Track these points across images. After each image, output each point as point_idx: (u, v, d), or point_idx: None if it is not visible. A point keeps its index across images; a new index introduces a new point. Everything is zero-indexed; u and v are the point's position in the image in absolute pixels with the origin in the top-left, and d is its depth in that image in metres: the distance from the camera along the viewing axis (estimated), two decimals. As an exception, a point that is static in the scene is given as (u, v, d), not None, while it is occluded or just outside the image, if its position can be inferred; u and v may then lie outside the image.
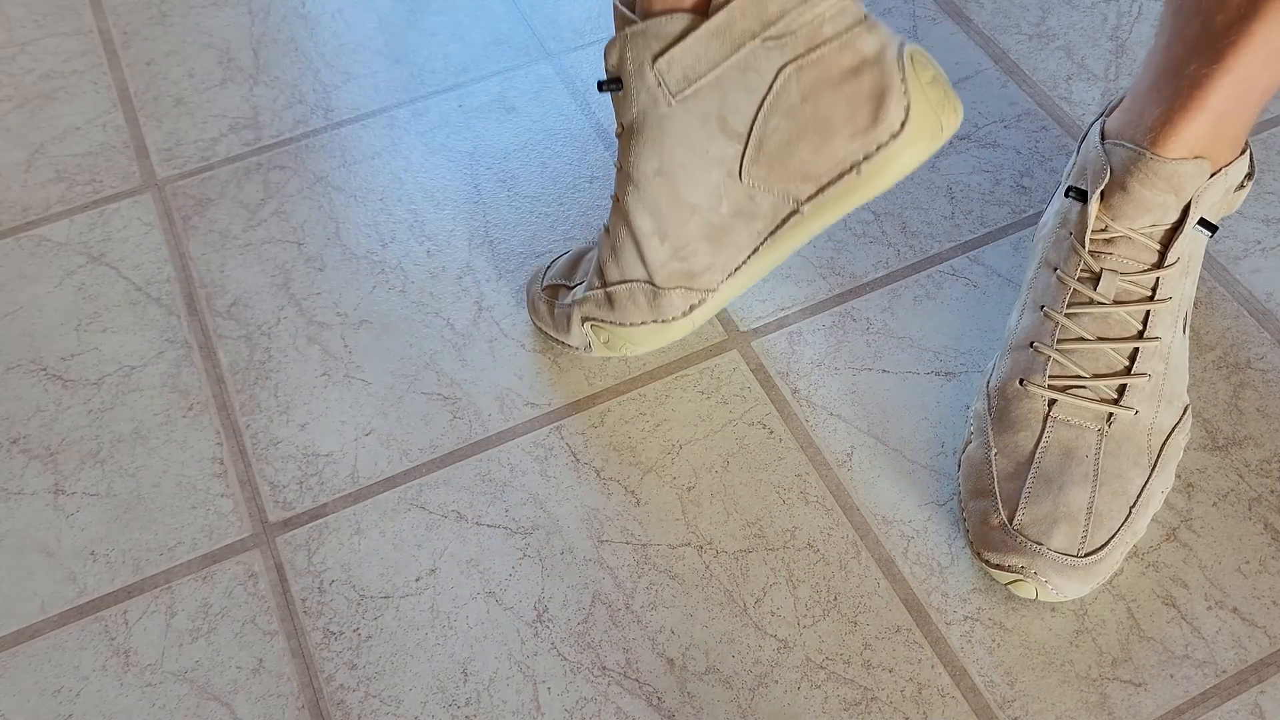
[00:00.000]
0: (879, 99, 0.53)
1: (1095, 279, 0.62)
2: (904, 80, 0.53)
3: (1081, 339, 0.61)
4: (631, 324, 0.64)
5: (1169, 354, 0.61)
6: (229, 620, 0.61)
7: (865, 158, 0.54)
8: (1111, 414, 0.60)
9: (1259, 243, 0.75)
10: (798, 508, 0.64)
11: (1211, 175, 0.61)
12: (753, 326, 0.72)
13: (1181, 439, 0.62)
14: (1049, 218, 0.68)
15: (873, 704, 0.57)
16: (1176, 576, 0.61)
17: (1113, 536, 0.57)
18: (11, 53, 0.90)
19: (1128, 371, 0.60)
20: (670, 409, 0.68)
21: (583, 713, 0.58)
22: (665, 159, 0.58)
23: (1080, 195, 0.64)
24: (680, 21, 0.54)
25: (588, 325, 0.65)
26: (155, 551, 0.63)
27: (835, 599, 0.61)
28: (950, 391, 0.69)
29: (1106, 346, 0.61)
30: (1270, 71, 0.57)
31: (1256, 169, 0.79)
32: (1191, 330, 0.71)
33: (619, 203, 0.62)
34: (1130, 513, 0.58)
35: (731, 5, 0.53)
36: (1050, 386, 0.61)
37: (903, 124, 0.53)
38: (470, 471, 0.66)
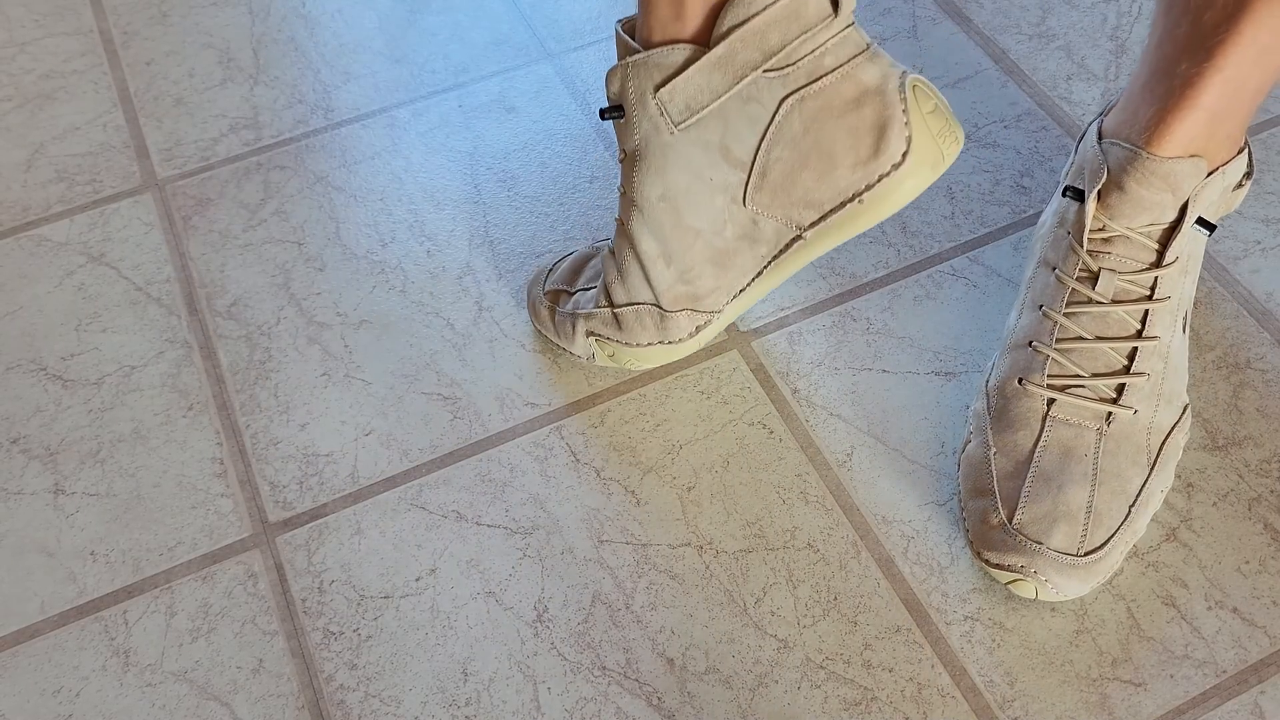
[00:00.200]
0: (881, 130, 0.54)
1: (1094, 278, 0.62)
2: (905, 111, 0.53)
3: (1080, 338, 0.61)
4: (639, 344, 0.65)
5: (1168, 353, 0.61)
6: (229, 620, 0.61)
7: (867, 187, 0.55)
8: (1110, 413, 0.60)
9: (1259, 243, 0.75)
10: (798, 508, 0.64)
11: (1209, 174, 0.61)
12: (753, 326, 0.72)
13: (1181, 438, 0.62)
14: (1047, 217, 0.68)
15: (873, 704, 0.57)
16: (1176, 576, 0.61)
17: (1112, 536, 0.57)
18: (11, 53, 0.90)
19: (1127, 371, 0.60)
20: (670, 409, 0.68)
21: (583, 713, 0.58)
22: (669, 185, 0.59)
23: (1078, 195, 0.64)
24: (682, 52, 0.55)
25: (592, 339, 0.66)
26: (155, 551, 0.63)
27: (835, 599, 0.61)
28: (950, 391, 0.69)
29: (1105, 346, 0.61)
30: (1262, 69, 0.57)
31: (1255, 168, 0.79)
32: (1191, 330, 0.71)
33: (624, 226, 0.62)
34: (1130, 512, 0.58)
35: (732, 37, 0.53)
36: (1049, 386, 0.61)
37: (904, 155, 0.54)
38: (470, 471, 0.66)
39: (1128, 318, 0.61)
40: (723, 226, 0.59)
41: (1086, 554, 0.57)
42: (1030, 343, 0.63)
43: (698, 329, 0.64)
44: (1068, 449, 0.59)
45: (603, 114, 0.58)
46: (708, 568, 0.62)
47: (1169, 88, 0.59)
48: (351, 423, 0.68)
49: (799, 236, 0.58)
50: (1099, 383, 0.60)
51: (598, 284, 0.66)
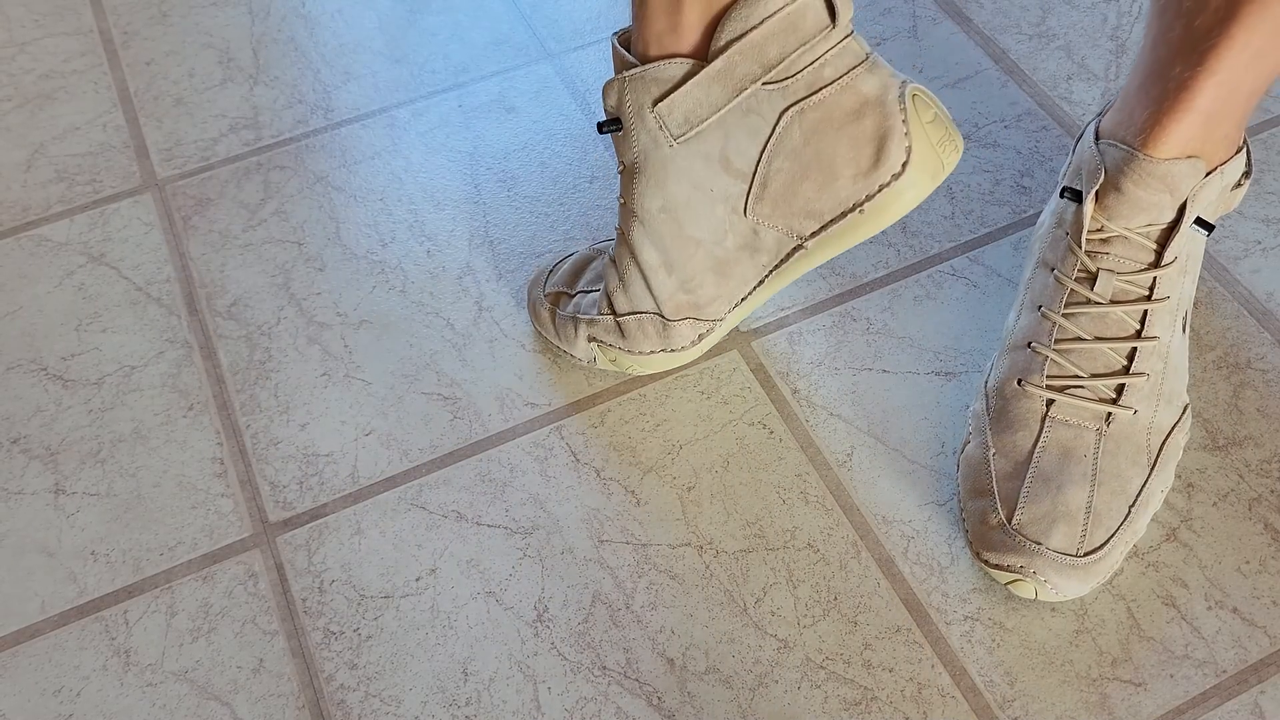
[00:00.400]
0: (881, 141, 0.54)
1: (1092, 279, 0.62)
2: (905, 121, 0.53)
3: (1079, 339, 0.61)
4: (641, 352, 0.65)
5: (1168, 353, 0.61)
6: (229, 620, 0.61)
7: (868, 198, 0.55)
8: (1110, 413, 0.60)
9: (1259, 243, 0.75)
10: (798, 508, 0.64)
11: (1207, 174, 0.61)
12: (753, 327, 0.72)
13: (1181, 438, 0.62)
14: (1045, 218, 0.68)
15: (873, 704, 0.57)
16: (1176, 576, 0.61)
17: (1112, 536, 0.57)
18: (11, 53, 0.90)
19: (1126, 371, 0.60)
20: (670, 409, 0.68)
21: (583, 713, 0.58)
22: (669, 197, 0.59)
23: (1075, 195, 0.64)
24: (679, 67, 0.54)
25: (594, 344, 0.66)
26: (155, 551, 0.63)
27: (835, 599, 0.61)
28: (950, 391, 0.69)
29: (1104, 346, 0.61)
30: (1255, 73, 0.57)
31: (1254, 167, 0.79)
32: (1191, 330, 0.71)
33: (624, 236, 0.62)
34: (1129, 512, 0.58)
35: (730, 51, 0.53)
36: (1048, 386, 0.61)
37: (904, 165, 0.54)
38: (470, 471, 0.66)
39: (1126, 318, 0.61)
40: (724, 236, 0.59)
41: (1086, 554, 0.57)
42: (1029, 343, 0.63)
43: (700, 337, 0.64)
44: (1067, 449, 0.59)
45: (600, 127, 0.58)
46: (708, 568, 0.62)
47: (1163, 90, 0.59)
48: (351, 423, 0.68)
49: (800, 246, 0.58)
50: (1098, 383, 0.60)
51: (599, 289, 0.66)
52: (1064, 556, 0.56)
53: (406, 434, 0.68)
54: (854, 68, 0.53)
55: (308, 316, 0.73)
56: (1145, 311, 0.61)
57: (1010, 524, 0.58)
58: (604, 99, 0.58)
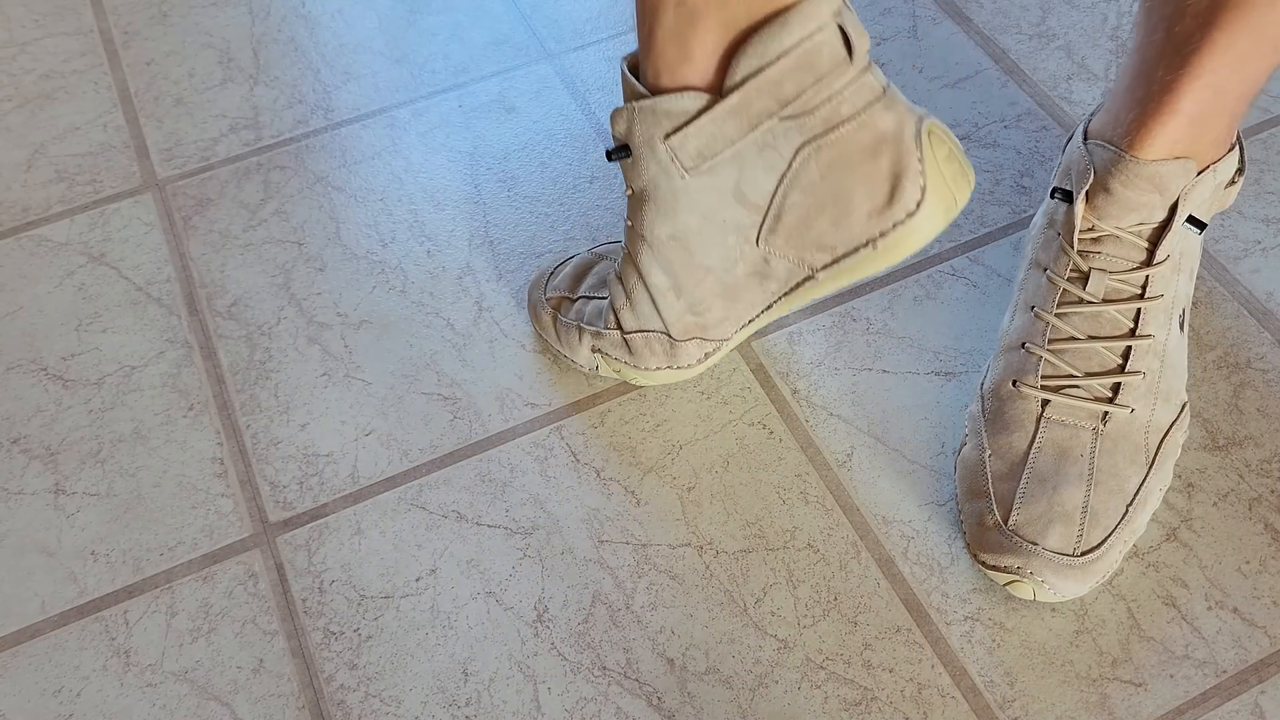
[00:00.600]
0: (896, 179, 0.53)
1: (1084, 278, 0.62)
2: (921, 159, 0.53)
3: (1073, 338, 0.61)
4: (647, 368, 0.65)
5: (1164, 351, 0.61)
6: (229, 620, 0.61)
7: (882, 234, 0.54)
8: (1106, 413, 0.60)
9: (1259, 243, 0.75)
10: (798, 508, 0.64)
11: (1199, 173, 0.61)
12: (753, 326, 0.72)
13: (1180, 437, 0.62)
14: (1038, 218, 0.68)
15: (873, 704, 0.57)
16: (1176, 576, 0.61)
17: (1109, 535, 0.57)
18: (11, 53, 0.90)
19: (1121, 370, 0.60)
20: (670, 409, 0.68)
21: (583, 713, 0.58)
22: (679, 226, 0.58)
23: (1066, 196, 0.64)
24: (693, 100, 0.53)
25: (598, 354, 0.66)
26: (155, 551, 0.63)
27: (835, 599, 0.61)
28: (950, 391, 0.69)
29: (1098, 345, 0.61)
30: (1240, 77, 0.57)
31: (1255, 167, 0.79)
32: (1191, 330, 0.71)
33: (631, 258, 0.61)
34: (1128, 511, 0.58)
35: (746, 87, 0.52)
36: (1043, 387, 0.61)
37: (919, 204, 0.53)
38: (470, 471, 0.66)
39: (1120, 317, 0.61)
40: (734, 264, 0.59)
41: (1083, 554, 0.57)
42: (1023, 344, 0.63)
43: (706, 355, 0.64)
44: (1063, 449, 0.59)
45: (609, 155, 0.57)
46: (708, 568, 0.62)
47: (1148, 92, 0.59)
48: (352, 423, 0.68)
49: (811, 276, 0.58)
50: (1093, 382, 0.60)
51: (602, 296, 0.66)
52: (1061, 556, 0.56)
53: (406, 434, 0.68)
54: (871, 104, 0.52)
55: (308, 316, 0.73)
56: (1139, 310, 0.61)
57: (1006, 525, 0.58)
58: (612, 125, 0.57)
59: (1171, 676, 0.58)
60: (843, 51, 0.51)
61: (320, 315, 0.73)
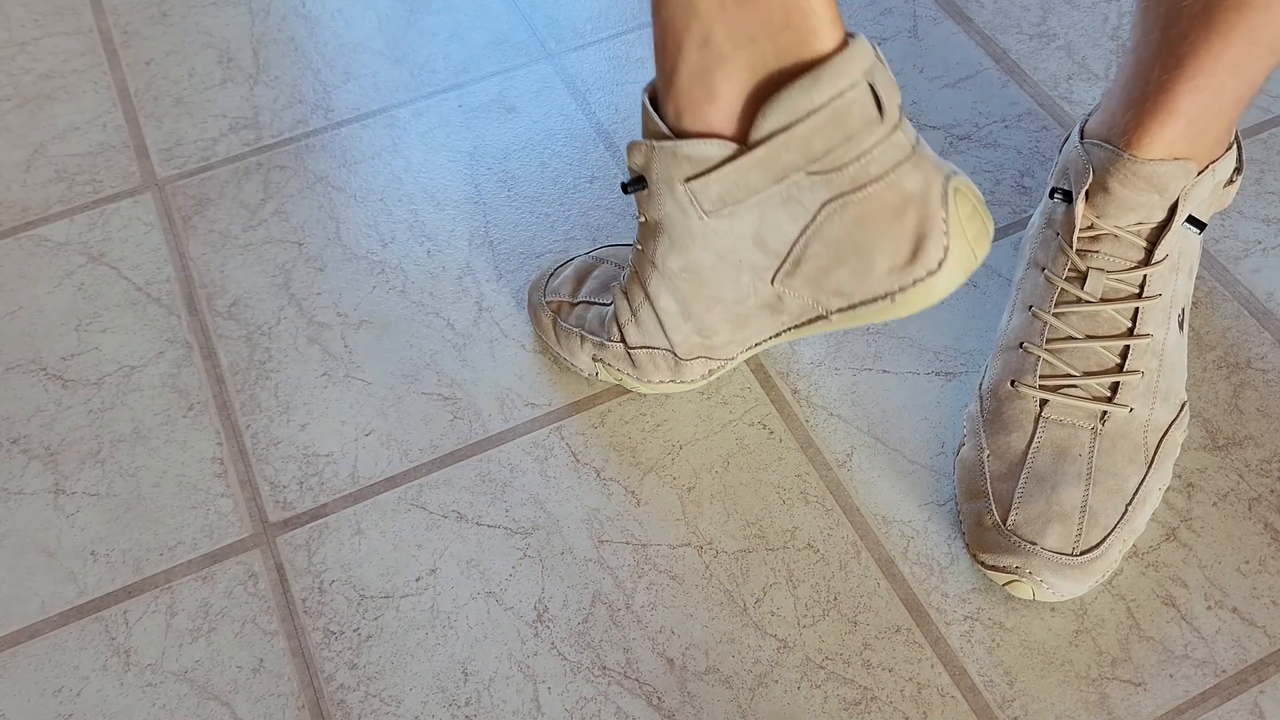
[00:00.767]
0: (920, 239, 0.52)
1: (1082, 278, 0.62)
2: (946, 220, 0.52)
3: (1070, 338, 0.61)
4: (650, 381, 0.65)
5: (1162, 351, 0.61)
6: (229, 620, 0.61)
7: (900, 289, 0.54)
8: (1105, 412, 0.60)
9: (1259, 243, 0.75)
10: (798, 508, 0.64)
11: (1199, 173, 0.61)
12: (753, 326, 0.72)
13: (1179, 436, 0.62)
14: (1035, 219, 0.68)
15: (873, 704, 0.57)
16: (1176, 576, 0.61)
17: (1109, 534, 0.57)
18: (11, 52, 0.90)
19: (1120, 369, 0.60)
20: (670, 409, 0.68)
21: (583, 713, 0.58)
22: (692, 260, 0.57)
23: (1065, 196, 0.64)
24: (717, 149, 0.52)
25: (599, 363, 0.66)
26: (155, 551, 0.63)
27: (835, 599, 0.61)
28: (950, 391, 0.69)
29: (1096, 344, 0.61)
30: (1238, 80, 0.57)
31: (1255, 167, 0.79)
32: (1192, 330, 0.71)
33: (639, 280, 0.61)
34: (1127, 510, 0.58)
35: (774, 141, 0.50)
36: (1041, 386, 0.61)
37: (940, 263, 0.53)
38: (470, 472, 0.66)
39: (1118, 316, 0.61)
40: (746, 298, 0.58)
41: (1082, 553, 0.57)
42: (1021, 344, 0.63)
43: (710, 372, 0.64)
44: (1062, 449, 0.59)
45: (625, 187, 0.56)
46: (708, 568, 0.62)
47: (1144, 92, 0.59)
48: (351, 423, 0.68)
49: (825, 316, 0.57)
50: (1092, 381, 0.60)
51: (603, 303, 0.66)
52: (1060, 556, 0.56)
53: (406, 434, 0.68)
54: (900, 163, 0.51)
55: (308, 316, 0.73)
56: (1136, 309, 0.61)
57: (1005, 525, 0.58)
58: (629, 156, 0.56)
59: (1171, 676, 0.58)
60: (874, 110, 0.50)
61: (320, 315, 0.73)
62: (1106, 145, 0.61)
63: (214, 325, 0.73)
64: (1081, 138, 0.64)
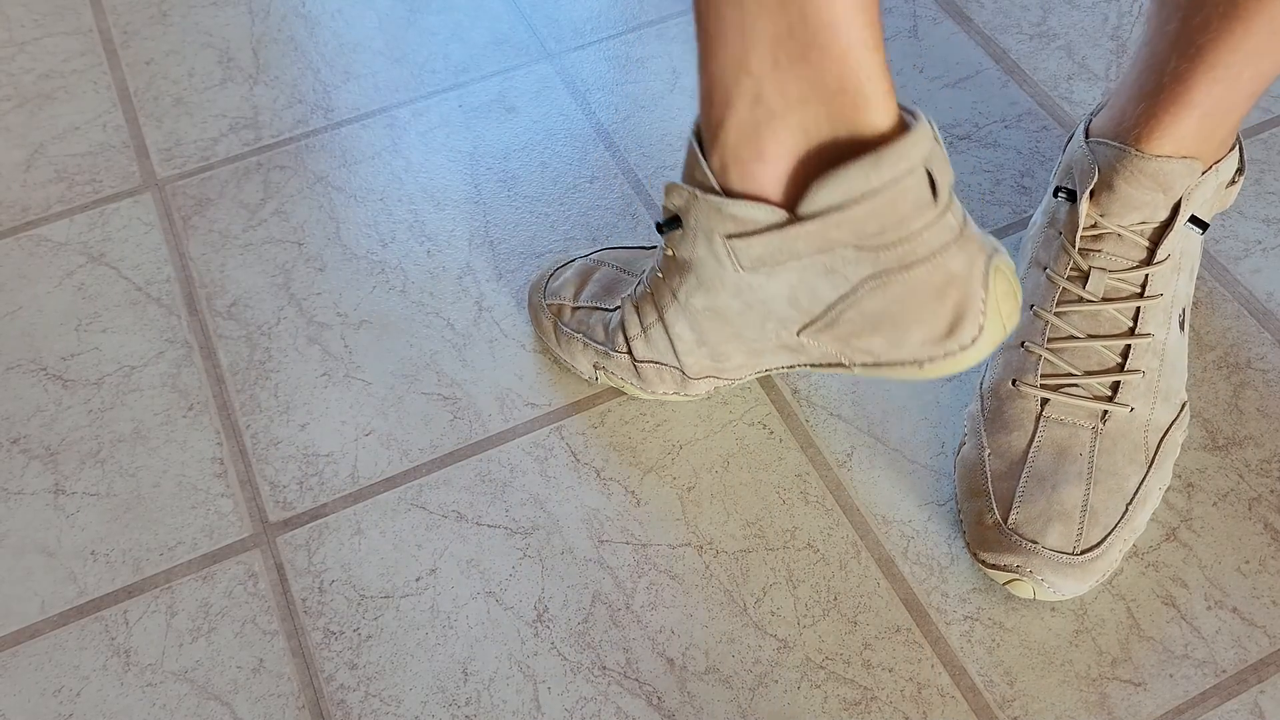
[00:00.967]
0: (958, 317, 0.52)
1: (1084, 277, 0.62)
2: (984, 300, 0.52)
3: (1072, 337, 0.61)
4: (655, 393, 0.65)
5: (1163, 350, 0.61)
6: (229, 620, 0.61)
7: (930, 360, 0.54)
8: (1106, 411, 0.60)
9: (1259, 243, 0.75)
10: (798, 508, 0.64)
11: (1203, 173, 0.61)
12: (753, 326, 0.72)
13: (1179, 436, 0.62)
14: (1037, 218, 0.68)
15: (873, 704, 0.57)
16: (1176, 576, 0.61)
17: (1109, 534, 0.57)
18: (11, 52, 0.90)
19: (1120, 369, 0.60)
20: (670, 409, 0.68)
21: (583, 712, 0.58)
22: (719, 303, 0.56)
23: (1069, 195, 0.64)
24: (765, 214, 0.50)
25: (601, 370, 0.66)
26: (155, 551, 0.63)
27: (835, 599, 0.61)
28: (950, 391, 0.69)
29: (1097, 344, 0.61)
30: (1255, 71, 0.57)
31: (1255, 167, 0.79)
32: (1191, 330, 0.71)
33: (655, 303, 0.60)
34: (1127, 510, 0.58)
35: (826, 218, 0.49)
36: (1042, 386, 0.61)
37: (974, 340, 0.53)
38: (470, 471, 0.66)
39: (1119, 315, 0.61)
40: (768, 339, 0.58)
41: (1083, 553, 0.57)
42: (1022, 343, 0.63)
43: (716, 388, 0.64)
44: (1062, 448, 0.59)
45: (659, 227, 0.55)
46: (708, 568, 0.62)
47: (1158, 84, 0.59)
48: (351, 423, 0.68)
49: (846, 365, 0.57)
50: (1093, 381, 0.60)
51: (605, 308, 0.65)
52: (1060, 555, 0.56)
53: (406, 434, 0.68)
54: (947, 245, 0.50)
55: (308, 316, 0.73)
56: (1138, 309, 0.61)
57: (1006, 524, 0.58)
58: (666, 196, 0.54)
59: (1171, 676, 0.58)
60: (928, 194, 0.49)
61: (320, 315, 0.73)
62: (1113, 143, 0.61)
63: (214, 325, 0.73)
64: (1086, 137, 0.64)
